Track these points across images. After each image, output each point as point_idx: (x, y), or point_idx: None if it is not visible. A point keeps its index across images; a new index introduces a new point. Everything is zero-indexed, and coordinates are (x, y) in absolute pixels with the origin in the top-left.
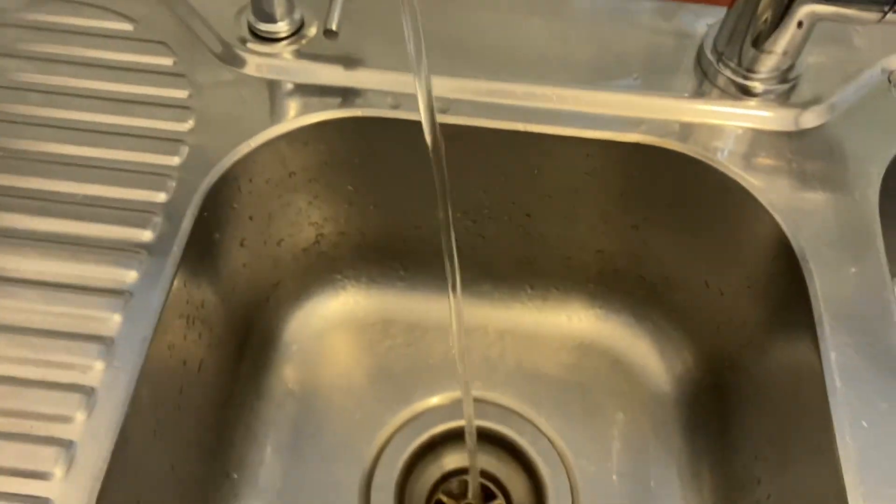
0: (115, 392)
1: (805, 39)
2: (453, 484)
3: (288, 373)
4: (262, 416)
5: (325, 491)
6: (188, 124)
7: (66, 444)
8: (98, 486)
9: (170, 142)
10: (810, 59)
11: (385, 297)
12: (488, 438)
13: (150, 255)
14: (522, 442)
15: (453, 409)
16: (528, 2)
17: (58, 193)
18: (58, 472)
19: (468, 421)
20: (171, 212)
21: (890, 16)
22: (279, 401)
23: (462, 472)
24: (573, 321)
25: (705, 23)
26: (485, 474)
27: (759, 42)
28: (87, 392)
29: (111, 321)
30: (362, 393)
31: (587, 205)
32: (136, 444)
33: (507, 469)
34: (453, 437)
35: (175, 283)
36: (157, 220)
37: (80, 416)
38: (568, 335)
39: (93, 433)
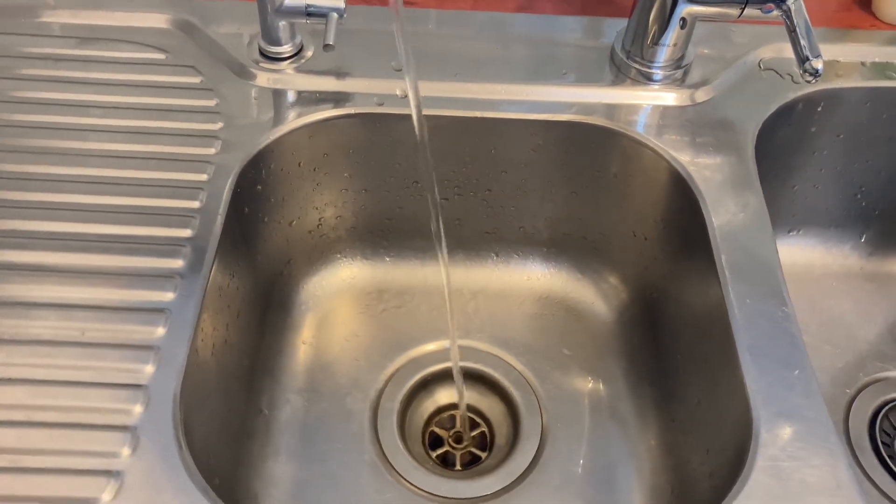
0: (186, 307)
1: (689, 33)
2: (444, 417)
3: (302, 332)
4: (284, 365)
5: (340, 419)
6: (218, 125)
7: (155, 349)
8: (180, 384)
9: (206, 138)
10: (699, 52)
11: (376, 270)
12: (470, 375)
13: (202, 217)
14: (497, 374)
15: (441, 354)
16: (476, 23)
17: (125, 178)
18: (149, 368)
19: (455, 363)
20: (213, 188)
21: (748, 11)
22: (297, 352)
23: (451, 406)
24: (532, 280)
25: (614, 30)
26: (469, 407)
27: (655, 39)
28: (167, 312)
29: (176, 263)
30: (365, 345)
31: (535, 176)
32: (203, 356)
33: (487, 400)
34: (442, 377)
35: (220, 239)
36: (203, 194)
37: (160, 331)
38: (528, 291)
39: (172, 339)
